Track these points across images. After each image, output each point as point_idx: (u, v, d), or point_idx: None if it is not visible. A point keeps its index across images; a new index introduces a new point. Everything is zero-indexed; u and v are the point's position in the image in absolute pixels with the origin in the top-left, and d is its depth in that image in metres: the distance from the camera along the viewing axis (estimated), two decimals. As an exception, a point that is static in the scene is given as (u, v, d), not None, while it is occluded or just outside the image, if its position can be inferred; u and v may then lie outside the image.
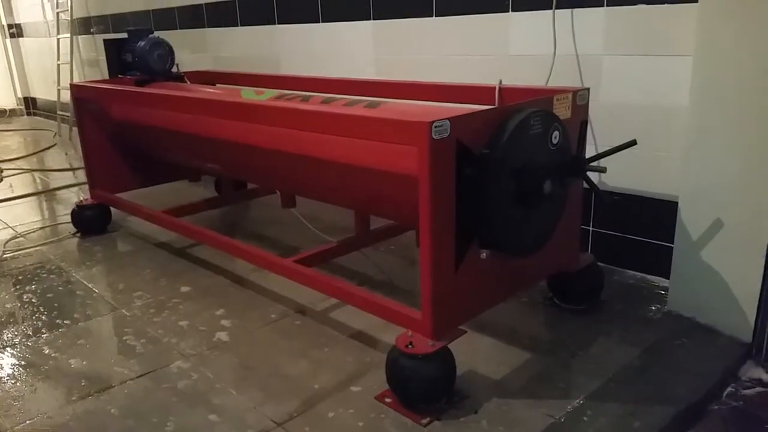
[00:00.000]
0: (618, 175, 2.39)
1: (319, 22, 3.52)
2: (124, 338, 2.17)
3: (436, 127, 1.52)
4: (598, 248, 2.52)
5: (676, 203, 2.09)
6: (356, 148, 2.01)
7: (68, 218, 3.35)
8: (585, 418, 1.64)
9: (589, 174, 1.95)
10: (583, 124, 2.00)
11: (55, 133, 6.35)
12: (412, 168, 1.71)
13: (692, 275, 2.08)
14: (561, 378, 1.83)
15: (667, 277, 2.19)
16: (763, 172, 1.85)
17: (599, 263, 2.26)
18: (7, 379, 1.95)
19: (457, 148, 1.59)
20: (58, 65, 6.30)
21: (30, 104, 8.07)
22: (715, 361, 1.89)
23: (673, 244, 2.13)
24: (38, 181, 4.57)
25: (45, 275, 2.76)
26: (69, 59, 6.03)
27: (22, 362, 2.04)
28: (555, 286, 2.24)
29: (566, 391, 1.76)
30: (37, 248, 3.10)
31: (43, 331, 2.25)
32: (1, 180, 4.58)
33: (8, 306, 2.47)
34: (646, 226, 2.38)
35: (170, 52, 3.30)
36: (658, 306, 2.20)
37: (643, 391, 1.74)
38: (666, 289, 2.24)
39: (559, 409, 1.67)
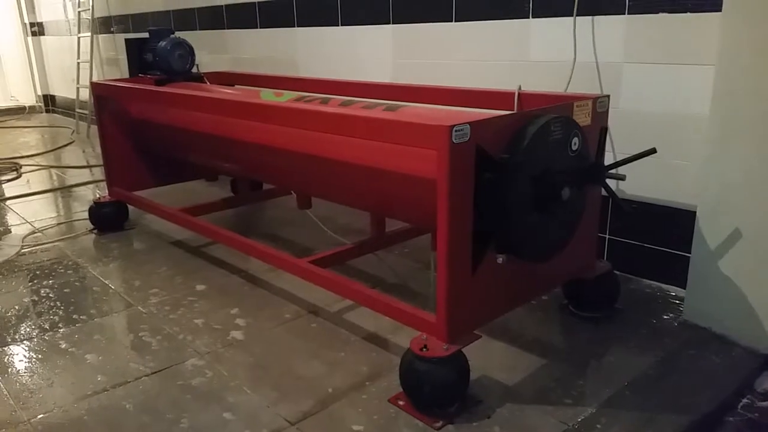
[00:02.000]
0: (636, 183, 2.38)
1: (338, 25, 3.54)
2: (140, 335, 2.18)
3: (456, 131, 1.52)
4: (615, 256, 2.51)
5: (694, 212, 2.08)
6: (375, 150, 2.02)
7: (85, 215, 3.38)
8: (599, 426, 1.63)
9: (607, 181, 1.95)
10: (603, 131, 1.99)
11: (73, 131, 6.42)
12: (430, 171, 1.72)
13: (709, 285, 2.07)
14: (575, 385, 1.82)
15: (684, 287, 2.18)
16: (783, 183, 1.84)
17: (615, 271, 2.25)
18: (24, 372, 1.97)
19: (476, 152, 1.60)
20: (78, 63, 6.38)
21: (49, 101, 8.16)
22: (731, 372, 1.88)
23: (690, 253, 2.12)
24: (55, 177, 4.61)
25: (62, 270, 2.78)
26: (89, 58, 6.10)
27: (39, 356, 2.06)
28: (571, 293, 2.23)
29: (580, 398, 1.75)
30: (55, 244, 3.14)
31: (60, 325, 2.27)
32: (20, 176, 4.64)
33: (26, 300, 2.50)
34: (664, 235, 2.37)
35: (190, 52, 3.32)
36: (674, 315, 2.19)
37: (658, 401, 1.73)
38: (682, 298, 2.22)
39: (572, 417, 1.67)
